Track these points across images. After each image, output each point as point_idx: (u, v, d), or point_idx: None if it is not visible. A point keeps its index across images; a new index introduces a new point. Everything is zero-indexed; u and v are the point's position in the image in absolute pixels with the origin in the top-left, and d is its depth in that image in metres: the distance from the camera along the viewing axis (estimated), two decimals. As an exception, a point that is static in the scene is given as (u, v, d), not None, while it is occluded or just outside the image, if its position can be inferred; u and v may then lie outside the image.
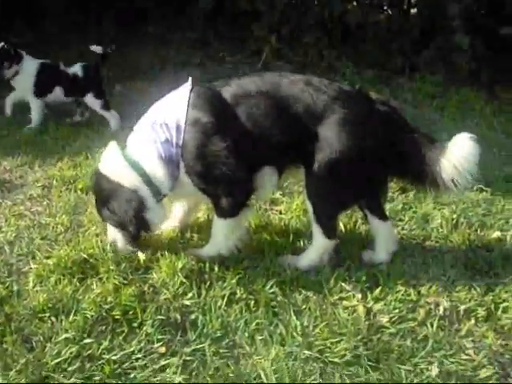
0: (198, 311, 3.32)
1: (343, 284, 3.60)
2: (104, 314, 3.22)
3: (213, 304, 3.36)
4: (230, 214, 3.69)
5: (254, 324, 3.25)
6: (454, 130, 6.14)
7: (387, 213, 4.33)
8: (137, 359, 2.99)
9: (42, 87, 5.80)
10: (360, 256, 3.90)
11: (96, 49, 5.82)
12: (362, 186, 3.74)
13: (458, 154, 3.56)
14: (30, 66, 5.84)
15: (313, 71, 6.77)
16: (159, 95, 3.79)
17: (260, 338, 3.17)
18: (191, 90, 3.61)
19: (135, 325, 3.19)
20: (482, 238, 4.32)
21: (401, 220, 4.47)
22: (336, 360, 3.06)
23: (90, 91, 5.77)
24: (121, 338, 3.10)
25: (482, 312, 3.50)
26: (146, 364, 2.97)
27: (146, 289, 3.45)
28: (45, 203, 4.36)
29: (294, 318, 3.31)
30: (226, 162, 3.52)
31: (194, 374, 2.94)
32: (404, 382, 2.99)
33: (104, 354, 3.00)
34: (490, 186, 5.08)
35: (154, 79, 6.26)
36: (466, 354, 3.20)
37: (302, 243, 3.97)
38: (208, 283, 3.50)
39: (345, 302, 3.48)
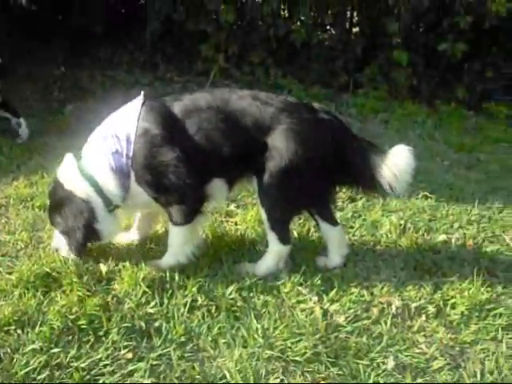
0: (162, 318, 3.40)
1: (300, 288, 3.74)
2: (70, 324, 3.28)
3: (175, 311, 3.45)
4: (183, 221, 3.78)
5: (216, 328, 3.36)
6: (397, 141, 6.40)
7: (338, 221, 4.53)
8: (105, 365, 3.05)
9: None
10: (314, 261, 4.05)
11: None
12: (312, 192, 3.88)
13: (397, 162, 3.80)
14: None
15: (260, 89, 6.93)
16: (110, 114, 3.88)
17: (223, 341, 3.28)
18: (143, 104, 3.72)
19: (101, 333, 3.25)
20: (429, 241, 4.54)
21: (351, 227, 4.66)
22: (297, 358, 3.20)
23: None
24: (88, 346, 3.16)
25: (431, 309, 3.69)
26: (113, 370, 3.03)
27: (109, 299, 3.51)
28: (3, 221, 4.37)
29: (255, 321, 3.42)
30: (176, 171, 3.63)
31: (161, 377, 3.03)
32: (362, 375, 3.15)
33: (72, 362, 3.06)
34: (435, 193, 5.34)
35: (104, 99, 6.33)
36: (419, 348, 3.38)
37: (257, 252, 4.09)
38: (170, 292, 3.59)
39: (302, 305, 3.61)
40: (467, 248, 4.52)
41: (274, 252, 3.92)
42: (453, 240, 4.60)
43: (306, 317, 3.51)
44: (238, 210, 4.70)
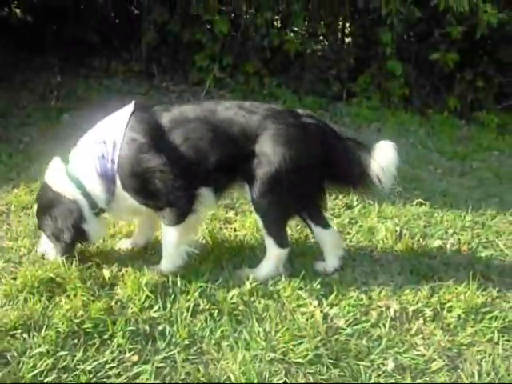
0: (166, 322, 3.47)
1: (299, 292, 3.81)
2: (75, 327, 3.33)
3: (179, 315, 3.51)
4: (176, 222, 3.84)
5: (219, 332, 3.43)
6: (391, 150, 6.54)
7: (335, 227, 4.61)
8: (111, 368, 3.11)
9: None
10: (313, 266, 4.12)
11: None
12: (302, 194, 3.96)
13: (382, 155, 3.91)
14: None
15: (254, 99, 7.00)
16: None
17: (226, 344, 3.35)
18: (132, 113, 3.79)
19: (106, 337, 3.31)
20: (425, 246, 4.64)
21: (348, 233, 4.74)
22: (299, 360, 3.28)
23: None
24: (93, 349, 3.22)
25: (429, 312, 3.79)
26: (119, 372, 3.10)
27: (113, 304, 3.56)
28: (5, 228, 4.41)
29: (257, 324, 3.50)
30: (162, 176, 3.70)
31: (166, 379, 3.10)
32: (363, 376, 3.22)
33: (78, 364, 3.11)
34: (429, 200, 5.44)
35: (100, 108, 6.36)
36: (418, 350, 3.48)
37: (257, 257, 4.15)
38: (172, 296, 3.65)
39: (302, 309, 3.69)
40: (462, 253, 4.62)
41: (273, 256, 3.98)
42: (448, 245, 4.70)
43: (307, 320, 3.58)
44: (237, 217, 4.77)
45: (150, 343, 3.30)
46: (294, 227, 4.60)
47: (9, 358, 3.13)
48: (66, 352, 3.18)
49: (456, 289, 4.00)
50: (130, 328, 3.37)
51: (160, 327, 3.43)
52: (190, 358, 3.25)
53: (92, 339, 3.29)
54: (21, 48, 8.24)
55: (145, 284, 3.70)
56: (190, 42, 8.06)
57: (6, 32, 8.21)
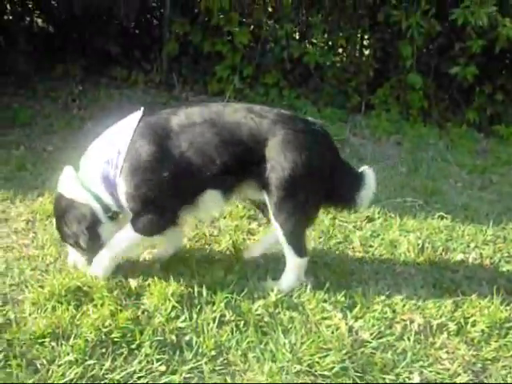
0: (192, 333, 3.48)
1: (324, 305, 3.82)
2: (103, 337, 3.35)
3: (205, 326, 3.53)
4: (145, 233, 3.86)
5: (245, 343, 3.44)
6: (411, 163, 6.60)
7: (357, 240, 4.65)
8: (139, 378, 3.13)
9: None
10: (337, 278, 4.14)
11: None
12: (316, 202, 4.00)
13: (368, 182, 4.04)
14: None
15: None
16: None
17: (252, 355, 3.36)
18: (140, 119, 3.80)
19: (134, 346, 3.33)
20: (447, 260, 4.65)
21: (371, 246, 4.75)
22: (325, 373, 3.28)
23: None
24: (121, 358, 3.24)
25: (452, 326, 3.78)
26: (147, 382, 3.11)
27: (139, 313, 3.59)
28: (31, 236, 4.45)
29: (282, 336, 3.51)
30: (159, 189, 3.73)
31: (194, 389, 3.12)
32: (389, 390, 3.24)
33: (107, 374, 3.13)
34: (450, 213, 5.44)
35: (122, 117, 6.43)
36: (442, 364, 3.47)
37: (281, 268, 4.14)
38: (198, 307, 3.67)
39: (327, 321, 3.70)
40: (484, 267, 4.62)
41: (293, 266, 4.00)
42: (470, 259, 4.70)
43: (332, 333, 3.59)
44: (260, 228, 4.79)
45: (177, 353, 3.32)
46: (317, 238, 4.63)
47: (38, 366, 3.15)
48: (95, 361, 3.20)
49: (479, 303, 4.01)
50: (158, 338, 3.38)
51: (187, 337, 3.45)
52: (217, 368, 3.26)
53: (120, 348, 3.31)
54: (43, 57, 8.34)
55: (171, 294, 3.72)
56: (210, 53, 8.14)
57: (29, 41, 8.30)
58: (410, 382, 3.32)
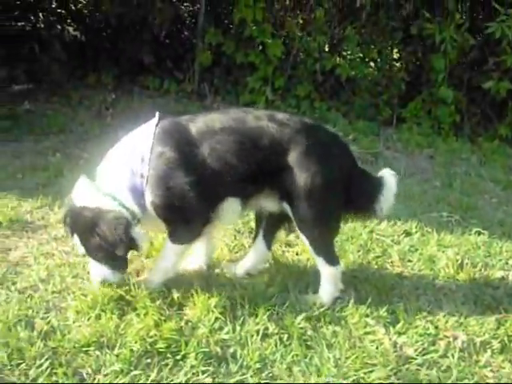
0: (236, 345, 3.47)
1: (367, 319, 3.79)
2: (148, 347, 3.34)
3: (249, 338, 3.52)
4: (184, 241, 3.87)
5: (289, 356, 3.42)
6: (445, 177, 6.55)
7: (395, 254, 4.62)
8: (185, 389, 3.13)
9: None
10: (378, 293, 4.11)
11: None
12: (339, 208, 3.96)
13: (388, 187, 3.97)
14: None
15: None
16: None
17: (297, 369, 3.34)
18: (157, 125, 3.77)
19: (179, 357, 3.32)
20: (486, 277, 4.58)
21: (409, 261, 4.70)
22: (372, 388, 3.26)
23: None
24: (167, 369, 3.23)
25: (496, 344, 3.73)
26: (194, 394, 3.11)
27: (183, 324, 3.59)
28: (71, 243, 4.43)
29: (326, 350, 3.48)
30: (187, 194, 3.68)
31: (240, 403, 3.10)
32: (437, 408, 3.20)
33: (153, 385, 3.14)
34: (487, 229, 5.37)
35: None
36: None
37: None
38: (241, 319, 3.66)
39: (370, 336, 3.67)
40: (525, 285, 4.56)
41: (328, 276, 3.99)
42: (510, 277, 4.63)
43: (377, 348, 3.56)
44: (298, 240, 4.75)
45: (222, 365, 3.31)
46: (356, 251, 4.61)
47: (84, 376, 3.16)
48: (141, 371, 3.20)
49: (522, 321, 3.96)
50: (203, 349, 3.37)
51: (231, 350, 3.43)
52: (262, 382, 3.24)
53: (165, 359, 3.30)
54: (76, 65, 8.42)
55: (214, 306, 3.71)
56: (242, 64, 8.16)
57: (62, 49, 8.38)
58: (457, 400, 3.28)
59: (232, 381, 3.21)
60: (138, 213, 3.76)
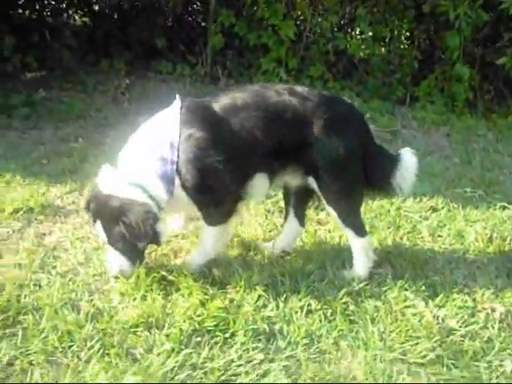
0: (282, 322, 3.51)
1: (406, 293, 3.83)
2: (197, 326, 3.38)
3: (293, 314, 3.56)
4: (220, 221, 3.89)
5: (335, 331, 3.46)
6: (464, 154, 6.57)
7: (425, 230, 4.66)
8: (238, 366, 3.16)
9: None
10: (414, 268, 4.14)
11: None
12: (362, 179, 3.99)
13: (406, 165, 4.00)
14: None
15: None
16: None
17: (344, 343, 3.38)
18: (181, 107, 3.77)
19: (228, 335, 3.36)
20: (517, 250, 4.62)
21: (439, 236, 4.74)
22: (418, 360, 3.30)
23: None
24: (217, 347, 3.27)
25: (533, 316, 3.77)
26: (247, 371, 3.14)
27: (227, 303, 3.62)
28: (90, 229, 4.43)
29: (370, 324, 3.52)
30: (219, 174, 3.71)
31: (293, 377, 3.13)
32: (483, 377, 3.24)
33: (205, 362, 3.17)
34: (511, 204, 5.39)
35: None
36: (531, 353, 3.47)
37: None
38: (284, 296, 3.69)
39: (411, 310, 3.71)
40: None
41: (359, 248, 4.04)
42: (540, 249, 4.67)
43: (419, 321, 3.60)
44: (329, 218, 4.78)
45: (271, 342, 3.35)
46: (387, 227, 4.64)
47: (137, 355, 3.19)
48: (192, 350, 3.23)
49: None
50: (251, 326, 3.41)
51: (277, 326, 3.47)
52: (312, 357, 3.28)
53: (215, 337, 3.34)
54: (87, 52, 8.40)
55: (256, 284, 3.75)
56: (255, 46, 8.14)
57: (72, 36, 8.35)
58: (503, 369, 3.32)
59: (283, 356, 3.25)
60: (164, 201, 3.74)
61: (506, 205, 5.36)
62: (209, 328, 3.39)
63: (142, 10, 8.38)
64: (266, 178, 3.91)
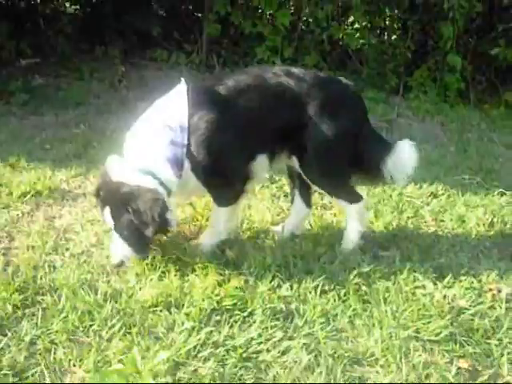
0: (297, 301, 3.58)
1: (415, 274, 3.91)
2: (215, 305, 3.45)
3: (308, 294, 3.64)
4: (230, 202, 3.98)
5: (349, 311, 3.54)
6: (459, 143, 6.66)
7: (428, 215, 4.74)
8: (259, 343, 3.23)
9: None
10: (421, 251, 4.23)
11: None
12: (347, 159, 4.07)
13: (401, 156, 4.04)
14: None
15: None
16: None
17: (359, 322, 3.46)
18: (188, 90, 3.81)
19: (246, 314, 3.43)
20: (518, 234, 4.73)
21: (442, 221, 4.84)
22: (432, 338, 3.39)
23: None
24: (237, 325, 3.34)
25: (539, 296, 3.88)
26: (268, 348, 3.21)
27: (242, 283, 3.68)
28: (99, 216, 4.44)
29: (383, 304, 3.60)
30: (229, 155, 3.82)
31: (313, 354, 3.20)
32: (495, 354, 3.34)
33: (227, 340, 3.23)
34: (509, 190, 5.49)
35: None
36: (536, 333, 3.57)
37: (366, 242, 4.28)
38: (297, 277, 3.77)
39: (421, 290, 3.80)
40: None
41: (353, 214, 4.16)
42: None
43: (430, 301, 3.68)
44: (333, 203, 4.85)
45: (288, 320, 3.42)
46: (391, 211, 4.73)
47: (159, 334, 3.24)
48: (212, 328, 3.29)
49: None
50: (269, 305, 3.48)
51: (293, 305, 3.54)
52: (330, 335, 3.35)
53: (233, 316, 3.40)
54: (81, 39, 8.38)
55: (268, 265, 3.81)
56: (250, 34, 8.17)
57: (67, 23, 8.32)
58: (513, 347, 3.42)
59: (302, 334, 3.32)
60: (175, 185, 3.75)
61: (504, 191, 5.47)
62: (227, 307, 3.45)
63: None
64: (266, 159, 3.98)
